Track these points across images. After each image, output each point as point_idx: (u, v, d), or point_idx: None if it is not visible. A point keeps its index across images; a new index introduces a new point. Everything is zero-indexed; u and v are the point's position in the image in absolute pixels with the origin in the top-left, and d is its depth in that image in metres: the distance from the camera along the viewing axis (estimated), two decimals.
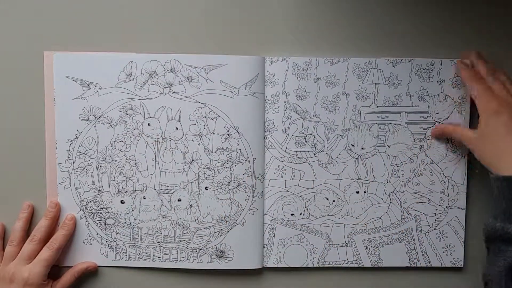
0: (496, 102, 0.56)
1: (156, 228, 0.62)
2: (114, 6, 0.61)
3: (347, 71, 0.62)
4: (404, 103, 0.63)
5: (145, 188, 0.62)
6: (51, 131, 0.61)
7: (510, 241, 0.51)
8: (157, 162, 0.62)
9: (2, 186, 0.62)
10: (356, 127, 0.63)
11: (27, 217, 0.62)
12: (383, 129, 0.63)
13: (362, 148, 0.63)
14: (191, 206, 0.62)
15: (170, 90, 0.61)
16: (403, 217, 0.64)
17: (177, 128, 0.61)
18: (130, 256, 0.63)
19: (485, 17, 0.63)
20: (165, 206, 0.62)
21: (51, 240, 0.60)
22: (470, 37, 0.63)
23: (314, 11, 0.62)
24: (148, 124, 0.61)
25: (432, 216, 0.64)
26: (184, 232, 0.62)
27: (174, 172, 0.62)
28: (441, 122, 0.63)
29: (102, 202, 0.62)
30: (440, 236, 0.64)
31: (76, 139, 0.61)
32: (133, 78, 0.61)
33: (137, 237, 0.62)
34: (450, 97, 0.63)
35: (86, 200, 0.62)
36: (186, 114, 0.61)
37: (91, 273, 0.63)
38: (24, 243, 0.60)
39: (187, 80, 0.61)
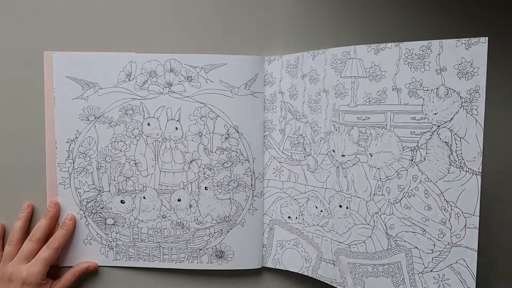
0: None
1: (156, 228, 0.62)
2: (114, 6, 0.61)
3: (325, 64, 0.53)
4: (390, 100, 0.50)
5: (145, 188, 0.62)
6: (51, 131, 0.61)
7: None
8: (156, 162, 0.61)
9: (2, 186, 0.62)
10: (336, 129, 0.53)
11: (27, 216, 0.62)
12: (364, 133, 0.51)
13: (342, 155, 0.53)
14: (190, 206, 0.62)
15: (169, 90, 0.61)
16: (389, 246, 0.51)
17: (176, 128, 0.61)
18: (130, 256, 0.63)
19: None
20: (164, 206, 0.62)
21: (50, 239, 0.60)
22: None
23: (315, 11, 0.62)
24: (148, 124, 0.61)
25: (428, 253, 0.49)
26: (184, 232, 0.62)
27: (174, 172, 0.61)
28: (441, 126, 0.48)
29: (102, 202, 0.62)
30: (439, 283, 0.49)
31: (76, 139, 0.61)
32: (133, 78, 0.60)
33: (137, 237, 0.62)
34: (454, 91, 0.47)
35: (86, 200, 0.62)
36: (186, 114, 0.61)
37: (91, 273, 0.63)
38: (23, 243, 0.60)
39: (187, 80, 0.60)
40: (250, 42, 0.62)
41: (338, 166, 0.53)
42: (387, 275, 0.51)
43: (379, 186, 0.51)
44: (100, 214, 0.62)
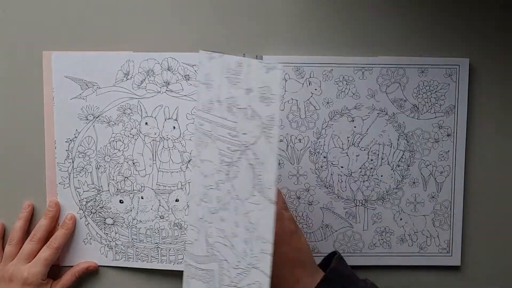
0: None
1: (154, 229, 0.62)
2: (111, 5, 0.61)
3: (200, 62, 0.53)
4: (215, 112, 0.48)
5: (143, 188, 0.61)
6: (50, 131, 0.61)
7: None
8: (154, 162, 0.61)
9: (2, 186, 0.63)
10: (195, 129, 0.53)
11: (27, 216, 0.62)
12: (200, 139, 0.51)
13: (190, 156, 0.57)
14: (188, 206, 0.61)
15: (167, 89, 0.60)
16: (208, 253, 0.51)
17: (174, 127, 0.60)
18: (129, 256, 0.62)
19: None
20: (162, 206, 0.61)
21: (51, 239, 0.60)
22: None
23: (314, 11, 0.60)
24: (146, 123, 0.61)
25: (234, 269, 0.47)
26: (182, 233, 0.61)
27: (172, 172, 0.61)
28: (248, 148, 0.45)
29: (101, 202, 0.62)
30: None
31: (75, 139, 0.61)
32: (131, 77, 0.60)
33: (136, 238, 0.62)
34: (258, 114, 0.44)
35: (85, 200, 0.62)
36: (184, 113, 0.60)
37: (91, 273, 0.63)
38: (23, 243, 0.60)
39: (184, 78, 0.60)
40: (247, 41, 0.61)
41: (185, 165, 0.57)
42: (204, 280, 0.51)
43: (204, 193, 0.50)
44: (99, 213, 0.62)
